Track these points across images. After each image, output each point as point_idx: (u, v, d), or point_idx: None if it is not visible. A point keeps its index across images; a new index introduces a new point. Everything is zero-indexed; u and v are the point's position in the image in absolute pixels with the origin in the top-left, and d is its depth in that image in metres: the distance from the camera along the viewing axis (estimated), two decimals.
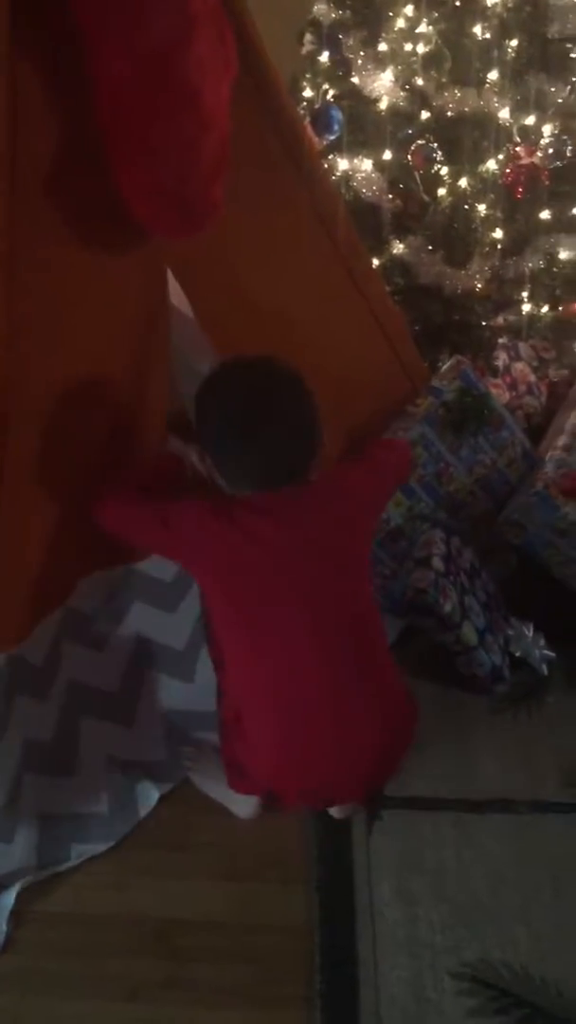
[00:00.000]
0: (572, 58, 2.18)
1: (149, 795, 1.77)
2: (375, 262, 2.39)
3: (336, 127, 2.36)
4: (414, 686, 1.96)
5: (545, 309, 2.45)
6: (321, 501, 1.47)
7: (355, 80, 2.36)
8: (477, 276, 2.36)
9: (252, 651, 1.46)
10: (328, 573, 1.45)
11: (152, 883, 1.66)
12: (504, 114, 2.20)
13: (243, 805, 1.72)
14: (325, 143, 2.41)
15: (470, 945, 1.57)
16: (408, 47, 2.27)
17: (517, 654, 2.01)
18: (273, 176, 1.76)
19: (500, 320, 2.49)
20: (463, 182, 2.29)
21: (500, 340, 2.48)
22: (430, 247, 2.37)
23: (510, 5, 2.12)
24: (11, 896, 1.61)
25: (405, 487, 2.04)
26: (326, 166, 2.32)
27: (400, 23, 2.23)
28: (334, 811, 1.73)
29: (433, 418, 2.03)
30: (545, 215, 2.36)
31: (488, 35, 2.19)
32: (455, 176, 2.27)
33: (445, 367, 2.12)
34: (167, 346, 1.64)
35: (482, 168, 2.27)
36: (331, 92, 2.41)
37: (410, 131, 2.31)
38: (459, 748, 1.87)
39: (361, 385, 2.00)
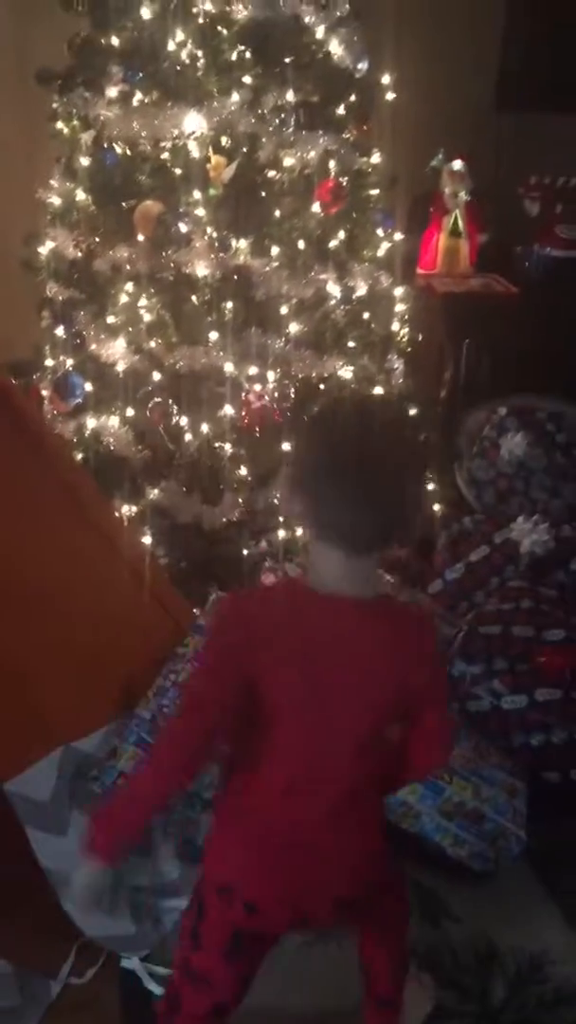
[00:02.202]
0: (282, 314, 2.45)
1: None
2: (133, 509, 2.51)
3: (78, 391, 2.52)
4: None
5: (300, 531, 2.61)
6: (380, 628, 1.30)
7: (92, 348, 2.54)
8: (232, 510, 2.50)
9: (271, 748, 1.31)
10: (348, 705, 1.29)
11: None
12: (229, 367, 2.41)
13: None
14: (71, 407, 2.57)
15: None
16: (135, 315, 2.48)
17: None
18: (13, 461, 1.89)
19: (263, 545, 2.63)
20: (204, 428, 2.47)
21: (265, 564, 2.61)
22: (184, 489, 2.51)
23: (218, 276, 2.37)
24: None
25: None
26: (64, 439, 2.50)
27: (124, 298, 2.45)
28: None
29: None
30: (287, 447, 2.56)
31: (207, 299, 2.44)
32: (195, 425, 2.45)
33: (208, 605, 2.20)
34: None
35: (220, 414, 2.46)
36: (70, 361, 2.58)
37: (149, 388, 2.49)
38: (272, 994, 1.75)
39: (128, 638, 2.05)
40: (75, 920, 1.77)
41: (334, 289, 2.52)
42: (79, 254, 2.52)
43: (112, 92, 2.42)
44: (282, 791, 1.33)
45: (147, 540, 2.46)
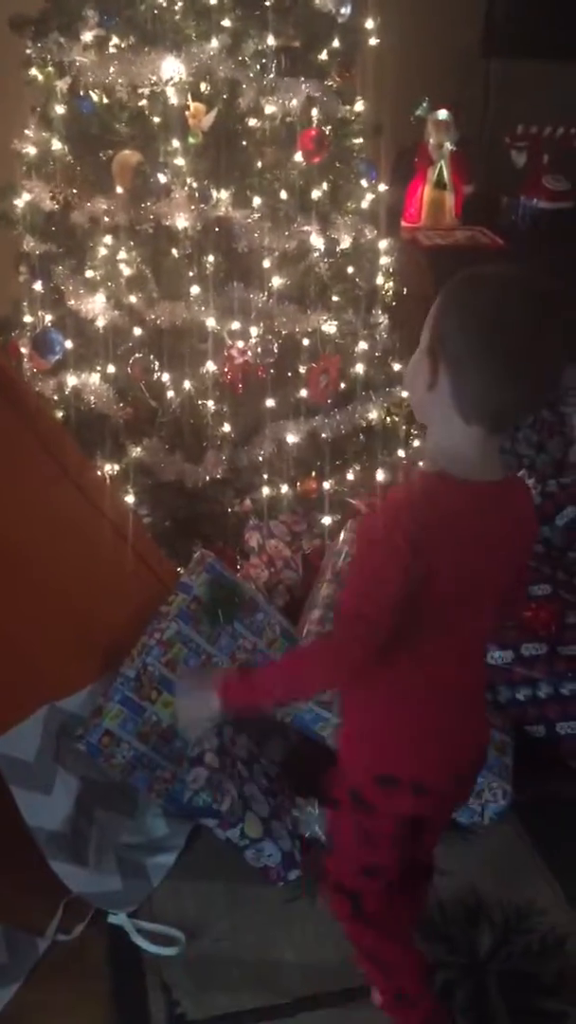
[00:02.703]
0: (264, 267, 2.40)
1: None
2: (116, 468, 2.47)
3: (58, 348, 2.47)
4: (204, 888, 1.93)
5: (285, 488, 2.59)
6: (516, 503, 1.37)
7: (72, 303, 2.49)
8: (215, 468, 2.47)
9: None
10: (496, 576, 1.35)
11: None
12: (211, 322, 2.36)
13: None
14: (51, 364, 2.52)
15: None
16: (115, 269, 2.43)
17: (307, 835, 2.00)
18: None
19: (247, 503, 2.60)
20: (187, 385, 2.43)
21: (250, 522, 2.59)
22: (167, 447, 2.47)
23: (199, 228, 2.32)
24: None
25: (171, 685, 2.04)
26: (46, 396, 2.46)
27: (102, 251, 2.39)
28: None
29: (186, 614, 2.07)
30: (271, 404, 2.53)
31: (188, 252, 2.39)
32: (177, 381, 2.41)
33: (192, 563, 2.18)
34: None
35: (202, 370, 2.42)
36: (49, 317, 2.53)
37: (130, 344, 2.45)
38: (259, 948, 1.81)
39: (112, 597, 2.04)
40: (62, 877, 1.77)
41: (317, 241, 2.47)
42: (56, 206, 2.46)
43: (87, 37, 2.35)
44: (437, 677, 1.37)
45: (130, 499, 2.43)
